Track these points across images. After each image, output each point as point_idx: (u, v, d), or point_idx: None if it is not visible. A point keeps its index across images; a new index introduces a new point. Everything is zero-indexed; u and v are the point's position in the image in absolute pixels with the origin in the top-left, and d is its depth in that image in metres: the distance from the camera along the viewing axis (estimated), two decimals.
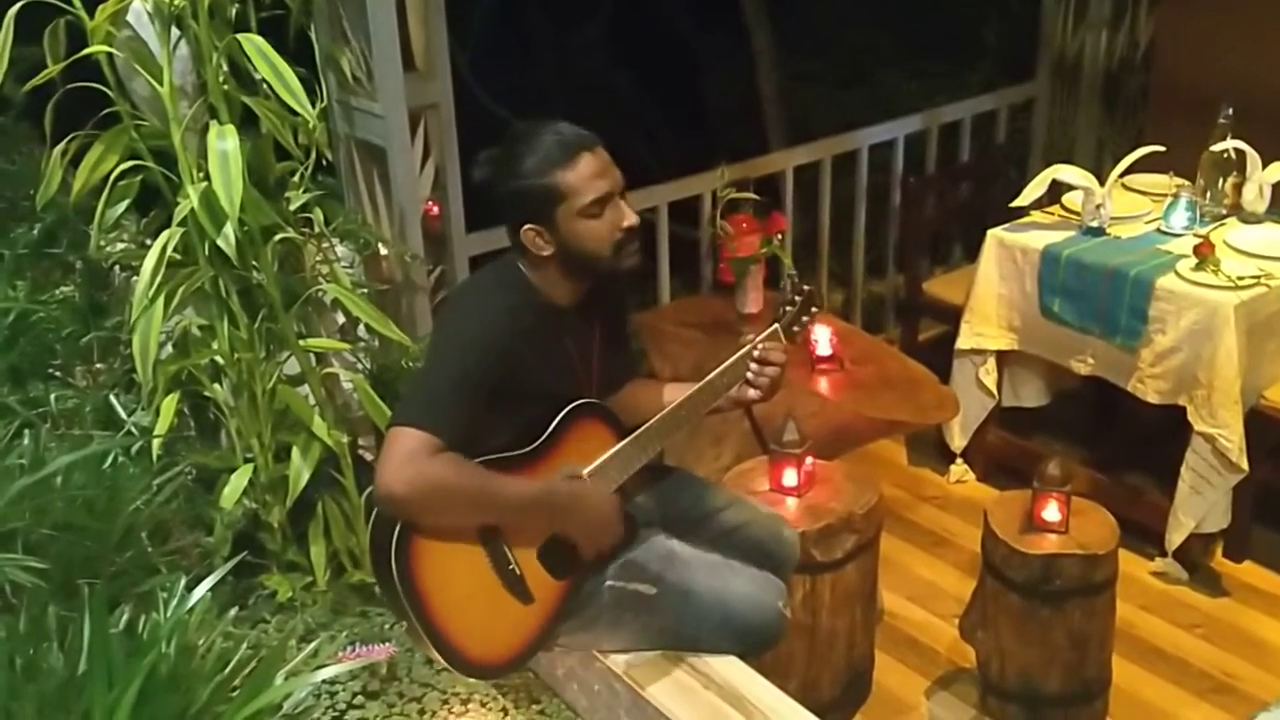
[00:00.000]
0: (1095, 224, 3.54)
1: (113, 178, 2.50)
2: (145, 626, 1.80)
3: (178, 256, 2.52)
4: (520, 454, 2.13)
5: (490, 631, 2.13)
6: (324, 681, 2.07)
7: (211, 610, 2.01)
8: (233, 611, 2.04)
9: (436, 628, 2.05)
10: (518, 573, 2.13)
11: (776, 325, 2.24)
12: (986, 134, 4.67)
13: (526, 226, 2.11)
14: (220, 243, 2.40)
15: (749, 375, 2.22)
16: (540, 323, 2.15)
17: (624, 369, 2.40)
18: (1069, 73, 4.67)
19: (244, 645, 1.81)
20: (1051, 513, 2.76)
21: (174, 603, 1.80)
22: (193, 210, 2.41)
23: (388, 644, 2.33)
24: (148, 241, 2.55)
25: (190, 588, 1.95)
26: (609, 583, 2.24)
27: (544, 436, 2.15)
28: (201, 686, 1.63)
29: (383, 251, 3.02)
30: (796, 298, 2.26)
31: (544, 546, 2.17)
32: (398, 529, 2.01)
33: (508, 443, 2.12)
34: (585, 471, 2.18)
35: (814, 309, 2.29)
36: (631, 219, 2.13)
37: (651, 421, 2.22)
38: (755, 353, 2.22)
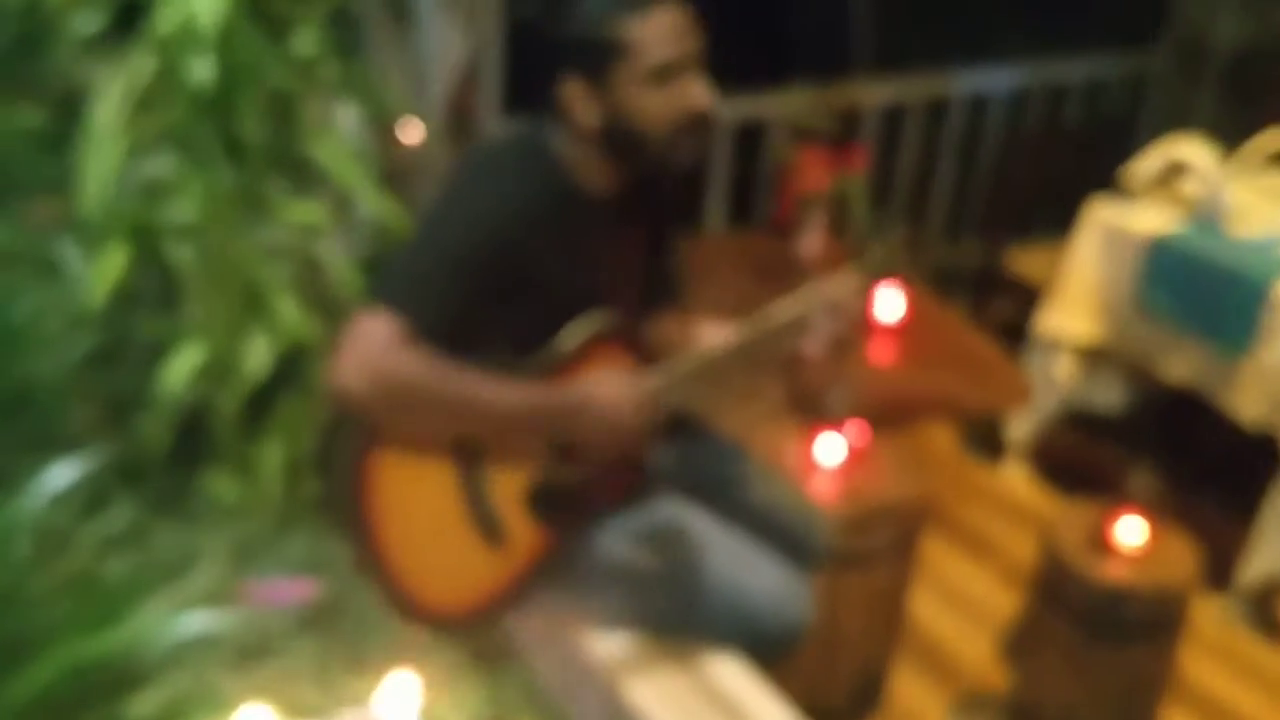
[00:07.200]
0: (1211, 214, 3.14)
1: None
2: None
3: (154, 94, 2.15)
4: (521, 374, 1.75)
5: (450, 574, 1.79)
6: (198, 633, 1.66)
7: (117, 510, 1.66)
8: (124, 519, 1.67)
9: (384, 557, 1.71)
10: (491, 507, 1.77)
11: (861, 267, 1.83)
12: (1095, 101, 4.28)
13: (573, 83, 1.71)
14: (196, 74, 2.02)
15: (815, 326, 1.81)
16: (566, 211, 1.76)
17: (667, 291, 2.00)
18: (1192, 49, 4.28)
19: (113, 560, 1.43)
20: (1130, 534, 2.38)
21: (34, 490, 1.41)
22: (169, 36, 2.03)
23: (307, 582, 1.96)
24: None
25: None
26: (604, 550, 1.87)
27: (553, 352, 1.77)
28: (38, 611, 1.25)
29: (401, 127, 2.63)
30: (889, 241, 1.85)
31: (535, 485, 1.81)
32: (354, 430, 1.66)
33: (505, 351, 1.74)
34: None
35: (903, 263, 1.88)
36: (703, 101, 1.72)
37: (691, 359, 1.82)
38: (830, 296, 1.81)
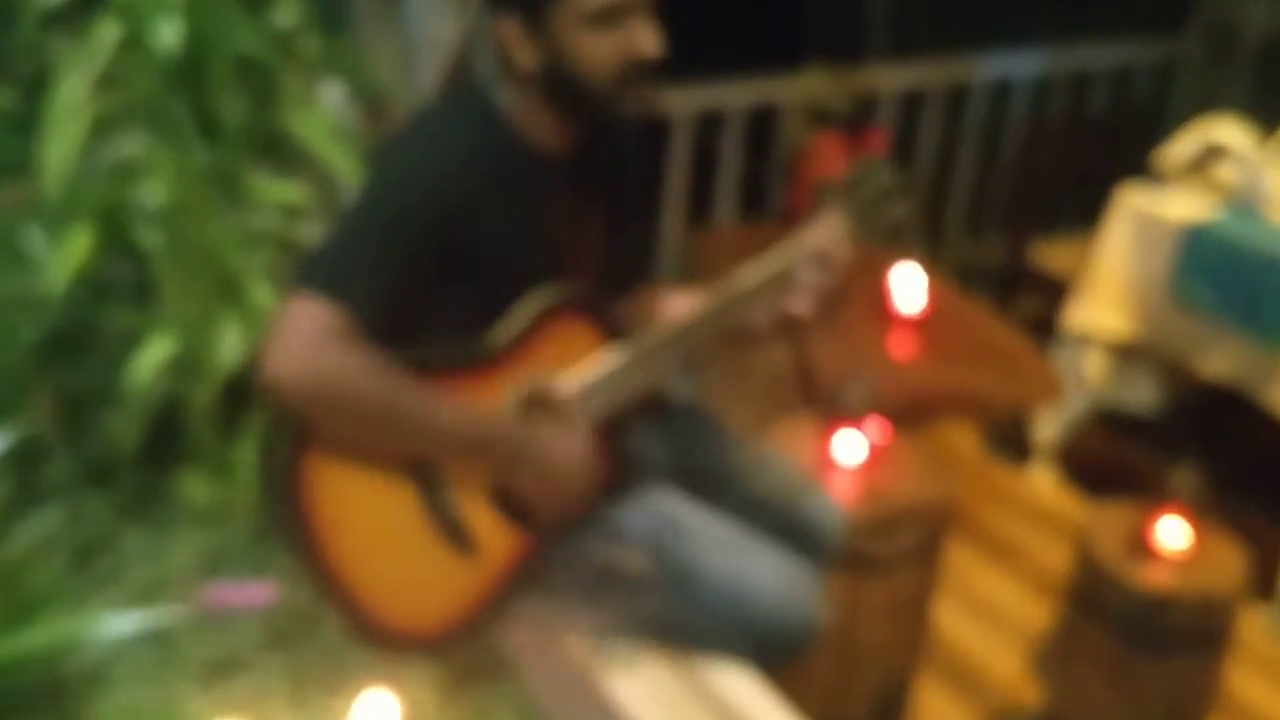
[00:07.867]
0: (1250, 200, 3.01)
1: None
2: None
3: (120, 65, 2.02)
4: (471, 353, 1.60)
5: (415, 590, 1.62)
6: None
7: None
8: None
9: (336, 575, 1.54)
10: (455, 510, 1.61)
11: (849, 214, 1.67)
12: (1122, 88, 4.16)
13: (511, 21, 1.57)
14: (163, 41, 1.88)
15: (800, 279, 1.66)
16: (511, 169, 1.61)
17: (636, 266, 1.85)
18: (1222, 35, 4.16)
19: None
20: (1174, 537, 2.22)
21: None
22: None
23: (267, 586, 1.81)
24: None
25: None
26: (588, 551, 1.72)
27: (508, 330, 1.62)
28: None
29: (391, 108, 2.50)
30: (879, 180, 1.69)
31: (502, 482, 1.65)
32: (288, 426, 1.50)
33: (454, 330, 1.58)
34: (564, 388, 1.64)
35: (906, 217, 1.72)
36: (650, 48, 1.57)
37: (663, 328, 1.68)
38: (813, 246, 1.66)
